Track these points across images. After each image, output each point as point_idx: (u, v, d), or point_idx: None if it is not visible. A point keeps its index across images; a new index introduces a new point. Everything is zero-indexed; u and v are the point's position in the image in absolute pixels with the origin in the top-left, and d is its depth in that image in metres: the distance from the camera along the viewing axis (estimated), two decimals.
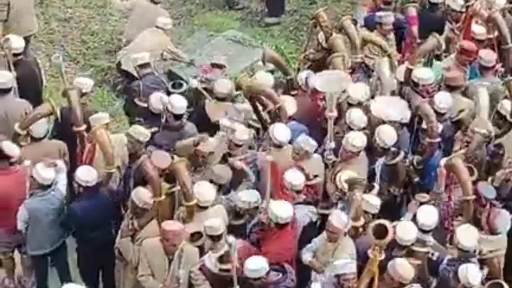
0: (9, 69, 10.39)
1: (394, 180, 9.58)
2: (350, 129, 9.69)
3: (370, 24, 11.64)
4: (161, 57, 12.04)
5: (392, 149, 9.55)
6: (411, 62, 10.62)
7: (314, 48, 11.40)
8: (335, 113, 9.49)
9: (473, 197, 8.95)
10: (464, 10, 11.58)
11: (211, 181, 9.20)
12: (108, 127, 9.73)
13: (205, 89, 10.71)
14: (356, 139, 9.46)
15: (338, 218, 8.56)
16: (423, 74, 10.42)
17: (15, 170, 9.37)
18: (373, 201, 8.94)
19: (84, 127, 9.67)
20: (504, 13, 11.55)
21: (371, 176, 9.62)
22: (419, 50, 10.83)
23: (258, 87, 10.15)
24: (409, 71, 10.52)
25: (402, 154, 9.53)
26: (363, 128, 9.75)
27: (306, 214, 9.12)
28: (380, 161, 9.60)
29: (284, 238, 8.75)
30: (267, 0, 13.99)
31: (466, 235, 8.55)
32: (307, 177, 9.29)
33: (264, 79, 10.56)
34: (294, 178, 9.10)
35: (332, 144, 9.48)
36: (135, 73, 11.20)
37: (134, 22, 12.64)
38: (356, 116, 9.76)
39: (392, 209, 9.38)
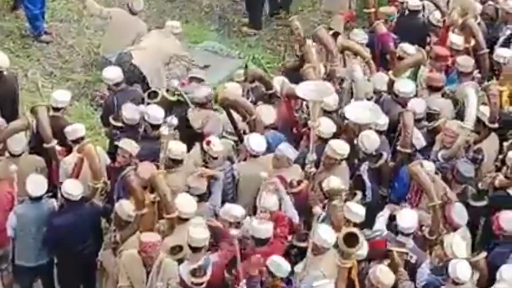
0: None
1: (381, 181, 9.67)
2: (319, 138, 9.66)
3: None
4: (169, 61, 12.05)
5: (374, 153, 9.58)
6: (394, 73, 10.67)
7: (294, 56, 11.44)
8: (318, 123, 9.49)
9: (439, 202, 8.99)
10: (441, 24, 11.63)
11: (189, 193, 9.16)
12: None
13: (178, 100, 10.67)
14: (340, 146, 9.47)
15: (327, 232, 8.45)
16: (405, 87, 10.45)
17: None
18: (356, 209, 8.87)
19: (54, 143, 9.68)
20: (479, 21, 11.62)
21: (355, 182, 9.61)
22: (403, 63, 10.90)
23: (233, 98, 10.14)
24: (391, 82, 10.56)
25: (385, 155, 9.60)
26: (334, 135, 9.75)
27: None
28: (365, 166, 9.62)
29: (267, 256, 8.58)
30: (250, 14, 14.00)
31: (459, 245, 8.53)
32: (291, 185, 9.25)
33: (234, 89, 10.54)
34: (269, 201, 8.91)
35: (314, 156, 9.46)
36: (145, 72, 11.35)
37: (111, 35, 12.64)
38: (325, 124, 9.76)
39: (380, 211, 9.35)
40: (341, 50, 11.10)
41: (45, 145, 9.73)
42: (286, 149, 9.53)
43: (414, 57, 10.97)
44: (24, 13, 13.31)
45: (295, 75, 10.80)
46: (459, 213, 9.04)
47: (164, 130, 9.44)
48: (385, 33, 11.60)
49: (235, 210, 8.87)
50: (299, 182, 9.31)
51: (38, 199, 9.18)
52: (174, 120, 9.53)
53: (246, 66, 10.73)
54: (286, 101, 10.21)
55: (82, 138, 9.71)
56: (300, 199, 9.25)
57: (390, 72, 10.80)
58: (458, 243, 8.55)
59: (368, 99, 10.54)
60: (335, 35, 11.51)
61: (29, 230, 9.20)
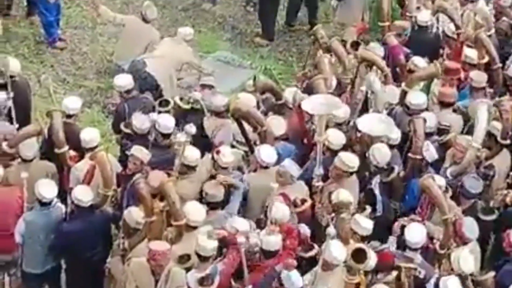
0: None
1: (393, 195, 9.65)
2: (328, 149, 9.65)
3: None
4: (181, 68, 12.09)
5: (386, 167, 9.57)
6: (407, 84, 10.68)
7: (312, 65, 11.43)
8: (324, 137, 9.47)
9: (451, 215, 8.96)
10: (455, 36, 11.61)
11: (208, 203, 9.18)
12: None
13: (192, 108, 10.68)
14: (350, 159, 9.45)
15: (338, 249, 8.41)
16: (417, 99, 10.44)
17: None
18: (364, 223, 8.86)
19: (65, 148, 9.70)
20: (490, 34, 11.61)
21: (366, 195, 9.59)
22: (416, 75, 10.88)
23: (244, 109, 10.15)
24: (404, 93, 10.56)
25: (396, 169, 9.58)
26: (345, 147, 9.75)
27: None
28: (376, 180, 9.58)
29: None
30: (263, 24, 14.02)
31: (467, 260, 8.52)
32: (295, 205, 9.20)
33: (247, 99, 10.53)
34: (279, 213, 8.85)
35: (321, 170, 9.45)
36: (159, 80, 11.43)
37: (125, 42, 12.69)
38: (335, 136, 9.76)
39: (391, 225, 9.32)
40: (360, 61, 11.10)
41: (56, 150, 9.75)
42: (290, 166, 9.48)
43: (428, 69, 10.96)
44: (39, 20, 13.37)
45: None
46: (470, 227, 8.99)
47: (181, 137, 9.44)
48: (396, 45, 11.58)
49: (239, 223, 8.80)
50: (302, 201, 9.25)
51: (48, 204, 9.17)
52: (192, 128, 9.54)
53: (255, 78, 10.71)
54: (298, 112, 10.21)
55: (96, 146, 9.74)
56: (303, 219, 9.21)
57: (403, 84, 10.79)
58: (465, 257, 8.52)
59: (379, 111, 10.54)
60: (355, 45, 11.50)
61: (38, 238, 9.20)
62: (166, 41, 12.33)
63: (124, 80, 10.97)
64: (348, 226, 8.74)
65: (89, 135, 9.84)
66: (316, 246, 8.83)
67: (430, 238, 8.98)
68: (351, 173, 9.48)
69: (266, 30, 14.04)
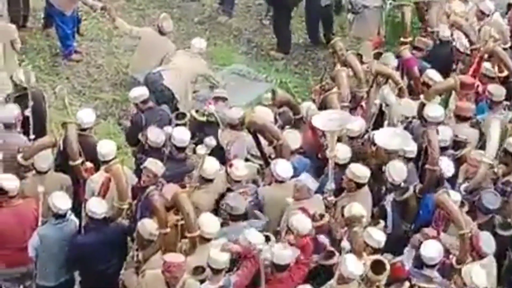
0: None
1: (405, 216, 9.56)
2: (337, 164, 9.61)
3: None
4: (196, 80, 12.14)
5: (402, 185, 9.51)
6: (426, 97, 10.64)
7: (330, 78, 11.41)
8: (335, 153, 9.44)
9: (467, 231, 8.90)
10: (468, 52, 11.58)
11: (230, 215, 9.16)
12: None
13: (208, 121, 10.70)
14: (360, 170, 9.45)
15: (354, 263, 8.38)
16: (434, 111, 10.39)
17: (14, 204, 9.33)
18: (376, 236, 8.85)
19: (80, 161, 9.69)
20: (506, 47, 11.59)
21: (379, 212, 9.55)
22: (435, 88, 10.84)
23: (260, 122, 10.14)
24: (422, 106, 10.53)
25: (411, 190, 9.50)
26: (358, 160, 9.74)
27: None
28: (390, 197, 9.55)
29: (286, 282, 8.61)
30: (278, 37, 14.04)
31: (479, 274, 8.46)
32: (313, 219, 9.13)
33: (264, 113, 10.53)
34: (302, 225, 8.83)
35: (333, 185, 9.43)
36: (175, 92, 11.52)
37: (140, 55, 12.72)
38: (341, 151, 9.72)
39: (400, 244, 9.26)
40: (375, 75, 11.06)
41: (71, 163, 9.75)
42: (307, 180, 9.47)
43: (446, 82, 10.91)
44: (55, 32, 13.41)
45: None
46: (486, 242, 8.92)
47: (201, 150, 9.44)
48: (411, 58, 11.57)
49: (253, 236, 8.74)
50: (321, 216, 9.21)
51: (62, 216, 9.17)
52: (212, 141, 9.53)
53: (274, 91, 10.70)
54: (311, 127, 10.20)
55: (112, 158, 9.72)
56: (321, 233, 9.15)
57: (421, 96, 10.75)
58: (477, 271, 8.46)
59: (394, 124, 10.50)
60: (376, 55, 11.47)
61: (51, 251, 9.20)
62: (181, 53, 12.35)
63: (139, 91, 10.98)
64: (361, 240, 8.72)
65: (105, 148, 9.82)
66: (336, 253, 8.79)
67: (446, 251, 8.92)
68: (363, 185, 9.46)
69: (281, 43, 14.05)
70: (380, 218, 9.40)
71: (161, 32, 12.56)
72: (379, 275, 8.12)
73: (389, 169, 9.57)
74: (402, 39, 12.19)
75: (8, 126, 10.21)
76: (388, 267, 8.17)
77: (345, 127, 9.71)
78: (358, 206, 8.99)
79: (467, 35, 11.79)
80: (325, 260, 8.83)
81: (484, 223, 9.35)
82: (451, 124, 10.57)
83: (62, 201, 9.18)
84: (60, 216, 9.18)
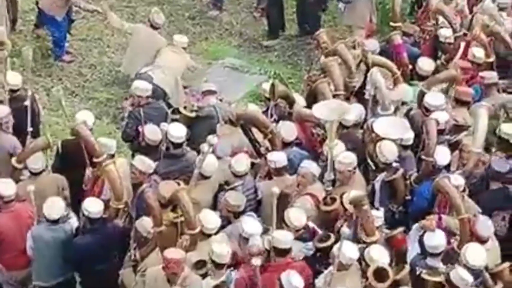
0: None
1: (393, 197, 9.58)
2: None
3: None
4: (183, 75, 12.09)
5: (394, 164, 9.54)
6: (427, 85, 10.65)
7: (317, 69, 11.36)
8: (334, 143, 9.44)
9: (467, 215, 8.91)
10: (452, 41, 11.56)
11: (228, 211, 9.17)
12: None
13: (198, 116, 10.66)
14: (346, 156, 9.48)
15: (350, 250, 8.44)
16: (435, 100, 10.36)
17: (11, 208, 9.29)
18: (376, 213, 8.96)
19: (104, 156, 9.56)
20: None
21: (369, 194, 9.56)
22: (437, 77, 10.85)
23: (249, 114, 10.13)
24: (422, 94, 10.53)
25: (401, 170, 9.53)
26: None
27: (301, 250, 8.95)
28: (380, 177, 9.59)
29: (287, 268, 8.56)
30: (268, 20, 14.02)
31: (475, 254, 8.46)
32: (325, 203, 9.16)
33: (254, 107, 10.58)
34: (296, 219, 8.91)
35: (332, 175, 9.44)
36: (167, 90, 11.44)
37: (132, 52, 12.65)
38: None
39: (390, 226, 9.25)
40: (371, 65, 11.01)
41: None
42: (310, 165, 9.51)
43: (448, 73, 10.90)
44: (45, 33, 13.36)
45: None
46: (483, 225, 8.92)
47: (203, 148, 9.42)
48: (400, 44, 11.56)
49: (250, 225, 8.84)
50: (333, 200, 9.21)
51: (55, 221, 9.14)
52: (214, 139, 9.50)
53: (273, 84, 10.67)
54: (299, 122, 10.20)
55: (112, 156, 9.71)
56: (330, 218, 9.19)
57: (421, 84, 10.74)
58: (473, 251, 8.48)
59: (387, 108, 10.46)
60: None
61: (45, 252, 9.16)
62: (165, 50, 12.25)
63: (145, 84, 10.94)
64: (372, 217, 8.74)
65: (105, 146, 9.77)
66: (332, 235, 8.82)
67: (450, 234, 8.93)
68: (354, 170, 9.48)
69: (271, 27, 14.01)
70: (369, 197, 9.37)
71: (153, 27, 12.51)
72: (381, 283, 8.18)
73: (381, 148, 9.60)
74: (392, 23, 12.15)
75: None
76: (391, 274, 8.22)
77: (345, 117, 9.69)
78: (355, 191, 9.02)
79: (450, 23, 11.75)
80: (320, 242, 8.84)
81: (498, 190, 9.39)
82: (449, 109, 10.53)
83: (53, 209, 9.13)
84: (52, 221, 9.14)
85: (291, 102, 10.68)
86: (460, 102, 10.58)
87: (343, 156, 9.50)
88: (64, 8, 13.00)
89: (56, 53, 13.33)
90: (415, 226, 9.10)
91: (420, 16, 12.49)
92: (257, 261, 8.31)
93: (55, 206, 9.16)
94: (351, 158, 9.51)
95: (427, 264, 8.64)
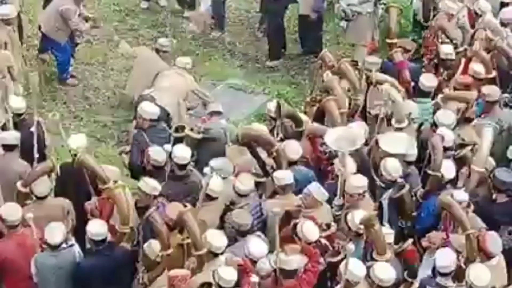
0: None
1: (401, 213, 9.60)
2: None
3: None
4: (186, 98, 12.06)
5: (399, 180, 9.56)
6: (443, 99, 10.75)
7: (320, 89, 11.38)
8: (345, 169, 9.46)
9: (473, 231, 8.92)
10: (452, 57, 11.58)
11: (235, 230, 9.18)
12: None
13: (204, 138, 10.69)
14: (358, 180, 9.47)
15: (357, 267, 8.45)
16: (445, 118, 10.37)
17: (17, 234, 9.26)
18: (386, 230, 9.00)
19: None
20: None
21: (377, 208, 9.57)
22: (454, 94, 10.94)
23: (254, 133, 10.16)
24: (437, 107, 10.63)
25: (407, 186, 9.54)
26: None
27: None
28: (386, 195, 9.60)
29: None
30: (269, 44, 14.08)
31: (479, 274, 8.47)
32: (321, 229, 9.17)
33: (258, 126, 10.62)
34: (310, 232, 8.94)
35: (340, 201, 9.48)
36: (170, 112, 11.43)
37: (137, 74, 12.67)
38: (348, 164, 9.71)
39: (396, 241, 9.25)
40: (375, 83, 11.06)
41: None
42: (315, 189, 9.50)
43: (466, 94, 10.87)
44: (50, 57, 13.41)
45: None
46: (493, 242, 8.91)
47: (207, 171, 9.51)
48: (402, 61, 11.61)
49: (255, 247, 8.85)
50: (328, 226, 9.25)
51: (56, 247, 9.10)
52: (216, 162, 9.57)
53: (279, 104, 10.69)
54: (310, 139, 10.20)
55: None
56: (329, 243, 9.20)
57: (438, 98, 10.81)
58: (478, 271, 8.49)
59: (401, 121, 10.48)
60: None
61: (47, 278, 9.12)
62: (168, 73, 12.24)
63: (153, 108, 10.92)
64: (383, 236, 8.77)
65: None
66: (342, 251, 8.86)
67: (456, 252, 8.91)
68: (364, 193, 9.48)
69: (272, 48, 14.04)
70: (377, 214, 9.38)
71: (157, 50, 12.54)
72: None
73: (385, 165, 9.63)
74: (387, 40, 12.20)
75: (9, 149, 10.17)
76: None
77: (357, 146, 9.70)
78: (361, 213, 9.04)
79: (449, 38, 11.78)
80: (331, 257, 8.88)
81: (504, 204, 9.39)
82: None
83: (54, 234, 9.07)
84: (54, 247, 9.11)
85: (297, 122, 10.70)
86: (464, 120, 10.59)
87: (354, 179, 9.49)
88: (66, 31, 13.05)
89: (61, 77, 13.38)
90: (425, 256, 9.10)
91: (427, 35, 12.49)
92: (254, 278, 8.31)
93: (56, 231, 9.10)
94: (362, 181, 9.49)
95: (437, 283, 8.64)
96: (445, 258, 8.69)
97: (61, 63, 13.29)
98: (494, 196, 9.59)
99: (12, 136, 10.29)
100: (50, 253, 9.12)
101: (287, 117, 10.69)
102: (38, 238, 9.17)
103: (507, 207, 9.55)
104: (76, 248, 9.28)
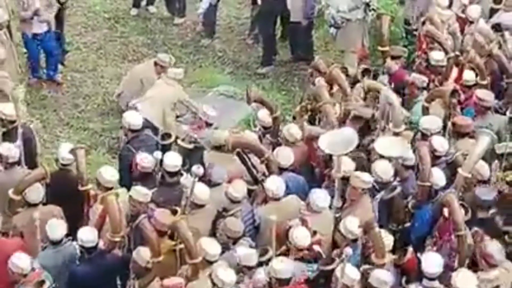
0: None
1: (392, 216, 9.61)
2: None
3: None
4: (174, 108, 12.05)
5: (392, 182, 9.59)
6: (426, 100, 10.76)
7: (310, 98, 11.39)
8: (342, 174, 9.45)
9: (466, 232, 8.95)
10: (444, 63, 11.55)
11: (228, 237, 9.17)
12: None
13: (196, 147, 10.68)
14: (364, 175, 9.51)
15: (353, 272, 8.48)
16: (429, 123, 10.38)
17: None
18: (387, 237, 9.03)
19: (90, 186, 9.64)
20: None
21: None
22: (429, 94, 10.93)
23: (244, 141, 10.17)
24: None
25: (399, 189, 9.56)
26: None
27: (303, 271, 8.94)
28: (378, 196, 9.62)
29: None
30: (263, 49, 14.12)
31: (464, 281, 8.49)
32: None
33: (249, 134, 10.63)
34: (301, 238, 8.96)
35: (339, 203, 9.49)
36: (154, 122, 11.39)
37: (126, 82, 12.69)
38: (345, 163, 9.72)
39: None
40: (366, 91, 11.09)
41: (80, 188, 9.68)
42: (317, 195, 9.49)
43: (441, 88, 10.90)
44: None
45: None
46: (494, 248, 8.91)
47: (189, 178, 9.47)
48: (398, 70, 11.62)
49: (244, 254, 8.86)
50: (314, 232, 9.19)
51: (58, 243, 9.17)
52: (200, 169, 9.50)
53: (247, 89, 10.70)
54: (308, 143, 10.18)
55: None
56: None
57: (424, 102, 10.80)
58: (463, 277, 8.50)
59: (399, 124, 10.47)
60: (365, 72, 11.50)
61: (58, 274, 9.10)
62: (157, 83, 12.21)
63: (135, 118, 10.86)
64: (382, 240, 8.80)
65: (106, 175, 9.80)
66: (337, 259, 8.83)
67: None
68: (366, 190, 9.52)
69: (264, 54, 14.08)
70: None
71: (156, 63, 12.43)
72: None
73: (375, 168, 9.65)
74: (380, 48, 12.20)
75: (13, 164, 10.15)
76: None
77: (351, 149, 9.67)
78: (353, 220, 9.04)
79: (441, 44, 11.79)
80: (324, 266, 8.84)
81: (486, 220, 9.35)
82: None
83: (55, 230, 9.15)
84: (56, 243, 9.17)
85: (268, 107, 10.77)
86: (461, 135, 10.47)
87: (361, 173, 9.53)
88: (29, 22, 12.92)
89: (33, 74, 13.32)
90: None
91: (419, 42, 12.50)
92: (249, 286, 8.29)
93: (57, 227, 9.17)
94: (368, 176, 9.52)
95: (424, 286, 8.65)
96: (432, 262, 8.70)
97: (29, 57, 13.27)
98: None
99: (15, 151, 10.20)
100: (53, 249, 9.17)
101: (256, 101, 10.74)
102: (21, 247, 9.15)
103: (487, 224, 9.45)
104: (74, 245, 9.30)
